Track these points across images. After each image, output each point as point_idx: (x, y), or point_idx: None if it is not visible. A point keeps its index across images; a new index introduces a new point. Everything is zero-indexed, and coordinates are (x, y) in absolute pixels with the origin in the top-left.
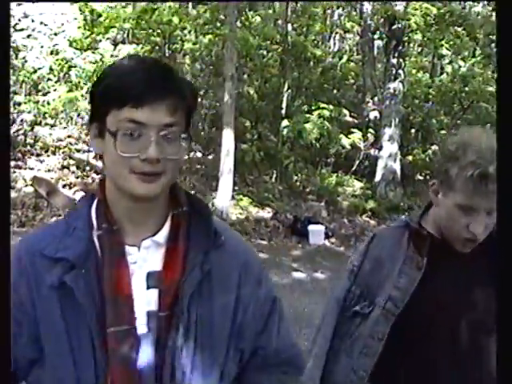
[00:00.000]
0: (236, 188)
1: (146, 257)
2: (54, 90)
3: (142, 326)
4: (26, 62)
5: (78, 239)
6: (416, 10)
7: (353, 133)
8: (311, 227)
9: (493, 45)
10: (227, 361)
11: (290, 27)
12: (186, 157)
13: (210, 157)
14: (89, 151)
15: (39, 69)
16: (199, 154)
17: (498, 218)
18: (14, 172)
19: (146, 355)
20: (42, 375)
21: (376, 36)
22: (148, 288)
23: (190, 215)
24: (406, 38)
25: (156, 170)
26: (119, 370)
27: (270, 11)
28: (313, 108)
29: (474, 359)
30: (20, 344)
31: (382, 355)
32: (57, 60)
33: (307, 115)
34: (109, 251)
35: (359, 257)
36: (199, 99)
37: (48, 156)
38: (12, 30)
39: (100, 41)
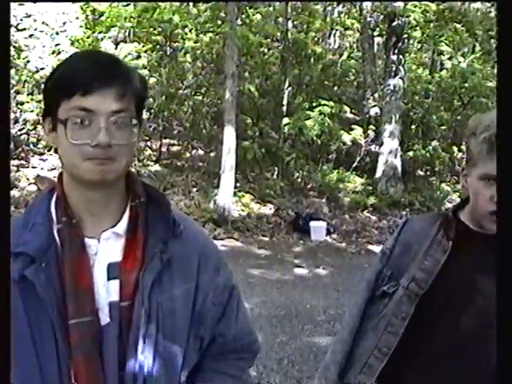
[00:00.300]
0: (238, 185)
1: (105, 248)
2: None
3: (104, 317)
4: (28, 61)
5: (38, 234)
6: (415, 6)
7: (354, 129)
8: (313, 223)
9: (492, 41)
10: (188, 348)
11: (290, 25)
12: (188, 154)
13: (212, 154)
14: None
15: (42, 69)
16: (201, 152)
17: (499, 217)
18: (18, 171)
19: (109, 345)
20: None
21: (376, 33)
22: (109, 279)
23: (148, 206)
24: (405, 35)
25: (108, 156)
26: (82, 362)
27: (271, 9)
28: (314, 105)
29: (486, 343)
30: None
31: (405, 335)
32: (59, 60)
33: (308, 112)
34: (69, 244)
35: (392, 241)
36: (200, 97)
37: (51, 155)
38: (14, 29)
39: (101, 40)
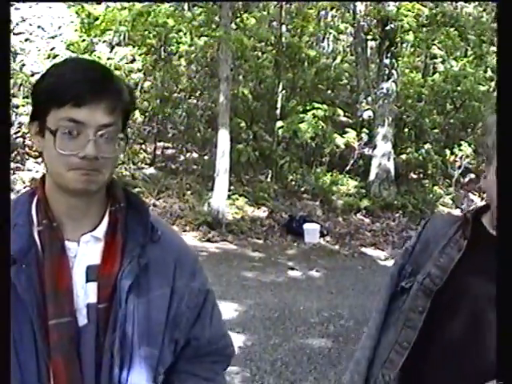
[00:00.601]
0: (232, 188)
1: (85, 251)
2: None
3: (82, 318)
4: (23, 65)
5: (19, 235)
6: (408, 11)
7: (347, 132)
8: (306, 226)
9: (484, 45)
10: (163, 351)
11: (284, 29)
12: (183, 157)
13: (206, 157)
14: None
15: (37, 73)
16: (195, 155)
17: (498, 217)
18: (13, 174)
19: (86, 346)
20: None
21: (369, 37)
22: (87, 281)
23: (127, 210)
24: (398, 39)
25: (94, 167)
26: (61, 362)
27: (265, 13)
28: (307, 108)
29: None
30: None
31: (423, 329)
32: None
33: (302, 115)
34: (49, 247)
35: (414, 238)
36: (195, 100)
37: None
38: (10, 33)
39: (97, 43)
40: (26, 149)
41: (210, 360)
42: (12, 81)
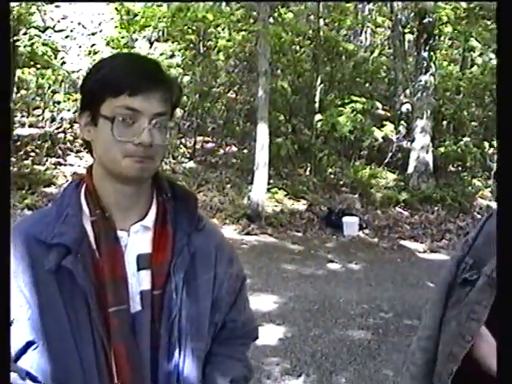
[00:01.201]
0: (271, 181)
1: (135, 240)
2: None
3: (135, 305)
4: (64, 62)
5: (72, 225)
6: (446, 3)
7: (385, 125)
8: (345, 219)
9: None
10: (208, 335)
11: (321, 22)
12: (222, 151)
13: (245, 151)
14: None
15: (79, 70)
16: (234, 148)
17: (499, 216)
18: (55, 168)
19: (142, 332)
20: (37, 357)
21: (407, 30)
22: (139, 269)
23: (174, 201)
24: (436, 32)
25: (148, 154)
26: (123, 347)
27: (302, 7)
28: (346, 101)
29: None
30: (17, 327)
31: (486, 322)
32: (94, 60)
33: (340, 109)
34: (104, 237)
35: (476, 230)
36: (234, 95)
37: (87, 153)
38: (51, 31)
39: (136, 40)
40: (68, 144)
41: (241, 342)
42: (53, 77)
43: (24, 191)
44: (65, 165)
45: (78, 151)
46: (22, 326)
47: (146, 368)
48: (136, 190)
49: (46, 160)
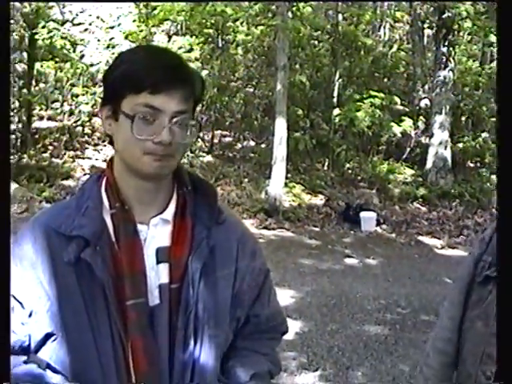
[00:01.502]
0: (289, 175)
1: (154, 233)
2: None
3: (153, 298)
4: (83, 56)
5: (92, 218)
6: None
7: (404, 121)
8: (363, 214)
9: None
10: (228, 329)
11: (340, 17)
12: (240, 145)
13: (263, 145)
14: None
15: (97, 64)
16: (252, 143)
17: (498, 217)
18: (73, 162)
19: (160, 325)
20: (56, 348)
21: (426, 25)
22: (158, 263)
23: (194, 194)
24: (455, 27)
25: (167, 153)
26: (140, 340)
27: (321, 2)
28: (364, 96)
29: None
30: (36, 318)
31: None
32: (113, 53)
33: (358, 103)
34: (123, 230)
35: (492, 227)
36: (252, 89)
37: (105, 146)
38: (70, 24)
39: (154, 33)
40: (86, 137)
41: (268, 337)
42: (72, 71)
43: (42, 184)
44: (83, 158)
45: (95, 144)
46: (41, 318)
47: (163, 361)
48: (156, 185)
49: (64, 153)
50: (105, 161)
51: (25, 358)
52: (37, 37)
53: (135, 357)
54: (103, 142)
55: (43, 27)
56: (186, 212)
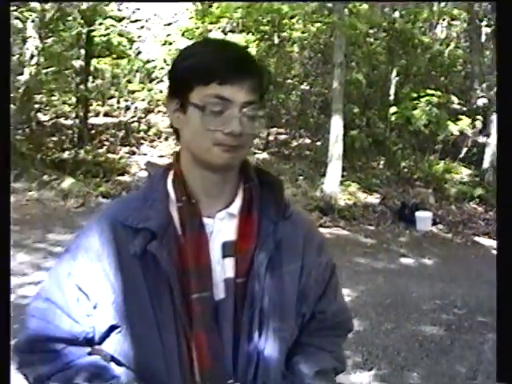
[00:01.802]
0: (344, 173)
1: (220, 227)
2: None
3: (218, 292)
4: (139, 52)
5: (158, 211)
6: None
7: (461, 120)
8: (418, 213)
9: None
10: (293, 325)
11: (397, 14)
12: (296, 143)
13: (319, 143)
14: None
15: (154, 60)
16: (308, 140)
17: (499, 217)
18: (129, 157)
19: (224, 320)
20: (120, 341)
21: (484, 23)
22: (224, 257)
23: (260, 188)
24: None
25: (237, 143)
26: (203, 334)
27: (378, 2)
28: (421, 94)
29: None
30: (101, 310)
31: None
32: (170, 50)
33: (415, 102)
34: (189, 223)
35: None
36: (308, 86)
37: (160, 142)
38: (127, 21)
39: (211, 30)
40: (141, 133)
41: (334, 334)
42: (128, 67)
43: (98, 179)
44: (138, 154)
45: (151, 140)
46: (106, 310)
47: (227, 356)
48: (223, 178)
49: (120, 149)
50: (160, 157)
51: (89, 349)
52: (94, 33)
53: (199, 351)
54: (159, 138)
55: (100, 24)
56: (253, 206)
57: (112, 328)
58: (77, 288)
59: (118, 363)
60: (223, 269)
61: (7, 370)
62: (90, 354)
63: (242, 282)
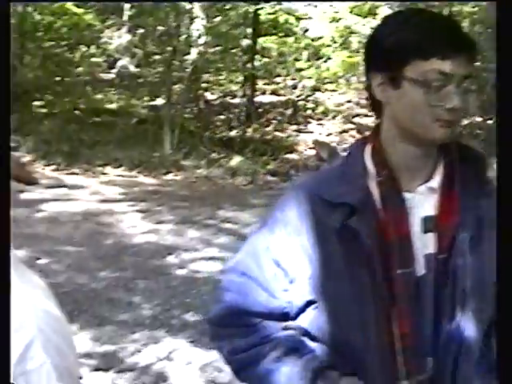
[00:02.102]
0: None
1: (420, 202)
2: (336, 56)
3: (419, 268)
4: (307, 30)
5: (357, 185)
6: None
7: None
8: None
9: None
10: (491, 305)
11: None
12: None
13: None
14: (366, 116)
15: (321, 38)
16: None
17: (498, 217)
18: (296, 136)
19: (425, 296)
20: (317, 316)
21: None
22: (425, 232)
23: (462, 162)
24: None
25: (455, 118)
26: (405, 311)
27: None
28: None
29: None
30: (298, 285)
31: None
32: (337, 27)
33: None
34: (389, 197)
35: None
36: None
37: (328, 120)
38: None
39: (377, 7)
40: (308, 111)
41: None
42: (295, 45)
43: (266, 157)
44: (306, 132)
45: (319, 119)
46: (303, 285)
47: (428, 334)
48: (427, 152)
49: (287, 127)
50: (327, 135)
51: (283, 324)
52: (260, 12)
53: (401, 327)
54: (326, 116)
55: (267, 1)
56: (454, 181)
57: (308, 303)
58: (274, 263)
59: (312, 338)
60: (424, 244)
61: (7, 370)
62: (284, 329)
63: (443, 258)
